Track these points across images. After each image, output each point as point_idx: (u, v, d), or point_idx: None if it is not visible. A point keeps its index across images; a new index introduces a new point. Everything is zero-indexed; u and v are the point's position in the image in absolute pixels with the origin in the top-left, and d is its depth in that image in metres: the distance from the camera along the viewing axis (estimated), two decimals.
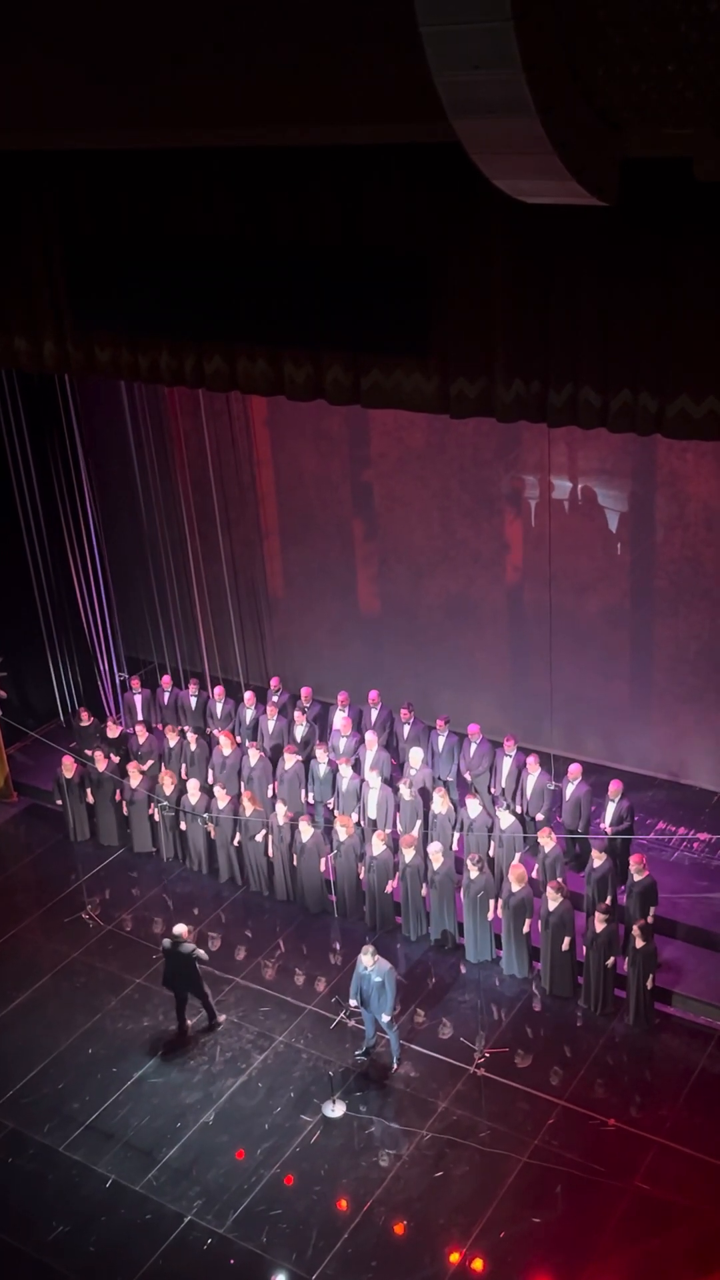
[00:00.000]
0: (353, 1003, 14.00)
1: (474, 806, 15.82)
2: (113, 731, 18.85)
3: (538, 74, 6.53)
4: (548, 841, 15.13)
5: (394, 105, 8.07)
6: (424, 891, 15.69)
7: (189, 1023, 14.76)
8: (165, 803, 17.40)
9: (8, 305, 13.61)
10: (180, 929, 14.58)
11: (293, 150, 10.78)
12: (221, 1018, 14.83)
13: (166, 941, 14.61)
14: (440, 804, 16.01)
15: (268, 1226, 12.43)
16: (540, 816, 15.99)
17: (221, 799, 16.81)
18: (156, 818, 17.63)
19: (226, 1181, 12.90)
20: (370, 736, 17.30)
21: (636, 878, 14.58)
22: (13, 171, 12.66)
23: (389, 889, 15.89)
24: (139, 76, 8.92)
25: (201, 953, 14.63)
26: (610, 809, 15.63)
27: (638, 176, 8.38)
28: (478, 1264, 11.94)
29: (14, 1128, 13.71)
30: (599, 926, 14.25)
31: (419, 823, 16.17)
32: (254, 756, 17.44)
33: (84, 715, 19.10)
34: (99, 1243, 12.40)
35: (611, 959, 14.38)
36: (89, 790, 18.09)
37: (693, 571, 16.33)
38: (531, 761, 16.22)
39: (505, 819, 15.69)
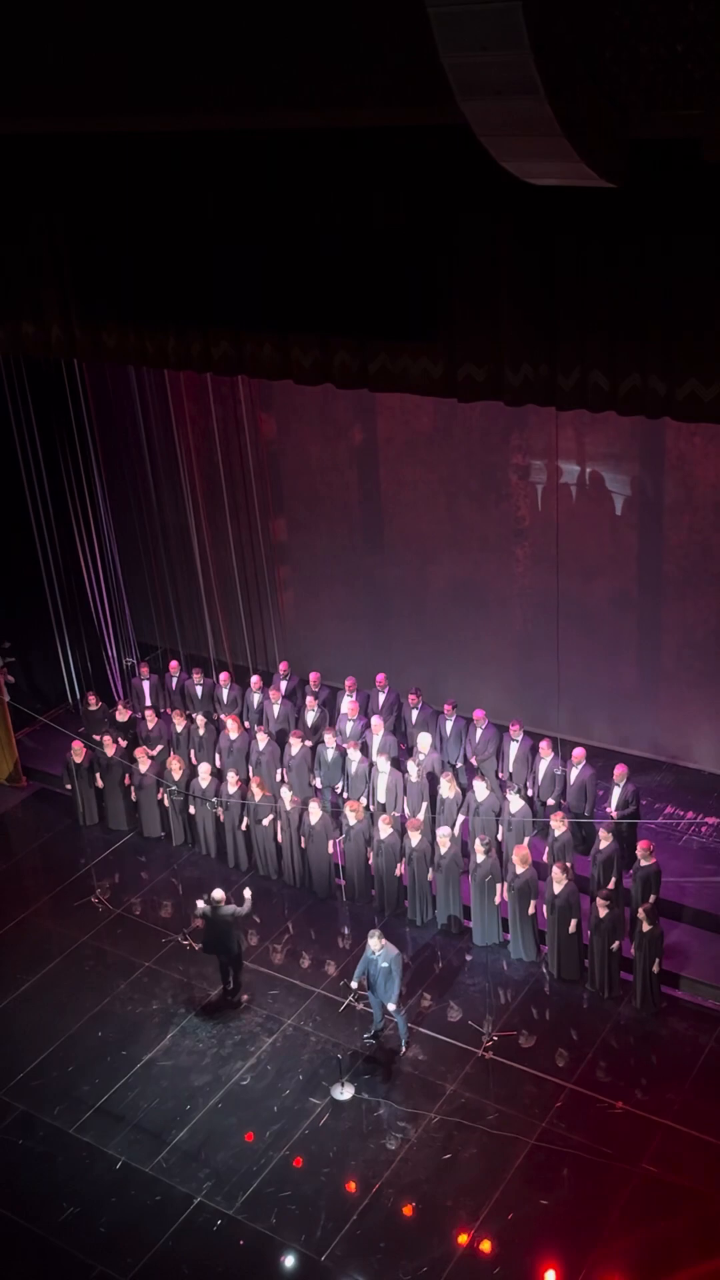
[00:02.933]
0: (354, 984, 14.02)
1: (481, 790, 15.82)
2: (121, 716, 18.89)
3: (545, 55, 6.48)
4: (559, 825, 15.12)
5: (402, 88, 8.03)
6: (430, 876, 15.69)
7: (227, 989, 14.88)
8: (174, 787, 17.41)
9: (15, 291, 13.59)
10: (218, 894, 14.60)
11: (300, 134, 10.74)
12: (245, 996, 14.85)
13: (205, 907, 14.60)
14: (448, 788, 16.03)
15: (277, 1208, 12.46)
16: (551, 801, 16.00)
17: (230, 783, 16.83)
18: (165, 802, 17.65)
19: (236, 1163, 12.94)
20: (377, 721, 17.31)
21: (643, 863, 14.57)
22: (18, 156, 12.62)
23: (397, 873, 15.91)
24: (147, 61, 8.88)
25: (240, 909, 14.66)
26: (616, 793, 15.63)
27: (647, 158, 8.34)
28: (485, 1245, 11.97)
29: (24, 1110, 13.76)
30: (602, 911, 14.25)
31: (426, 806, 16.18)
32: (262, 741, 17.45)
33: (92, 700, 19.13)
34: (109, 1224, 12.44)
35: (617, 943, 14.38)
36: (98, 775, 18.12)
37: (701, 556, 16.30)
38: (545, 746, 16.24)
39: (515, 803, 15.69)
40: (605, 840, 14.91)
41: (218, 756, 17.68)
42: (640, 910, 14.12)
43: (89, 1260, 12.10)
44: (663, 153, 8.83)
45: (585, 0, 6.72)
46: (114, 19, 8.75)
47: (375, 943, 13.77)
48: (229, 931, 14.63)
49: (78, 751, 18.07)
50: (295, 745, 17.25)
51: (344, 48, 8.08)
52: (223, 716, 18.25)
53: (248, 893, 14.96)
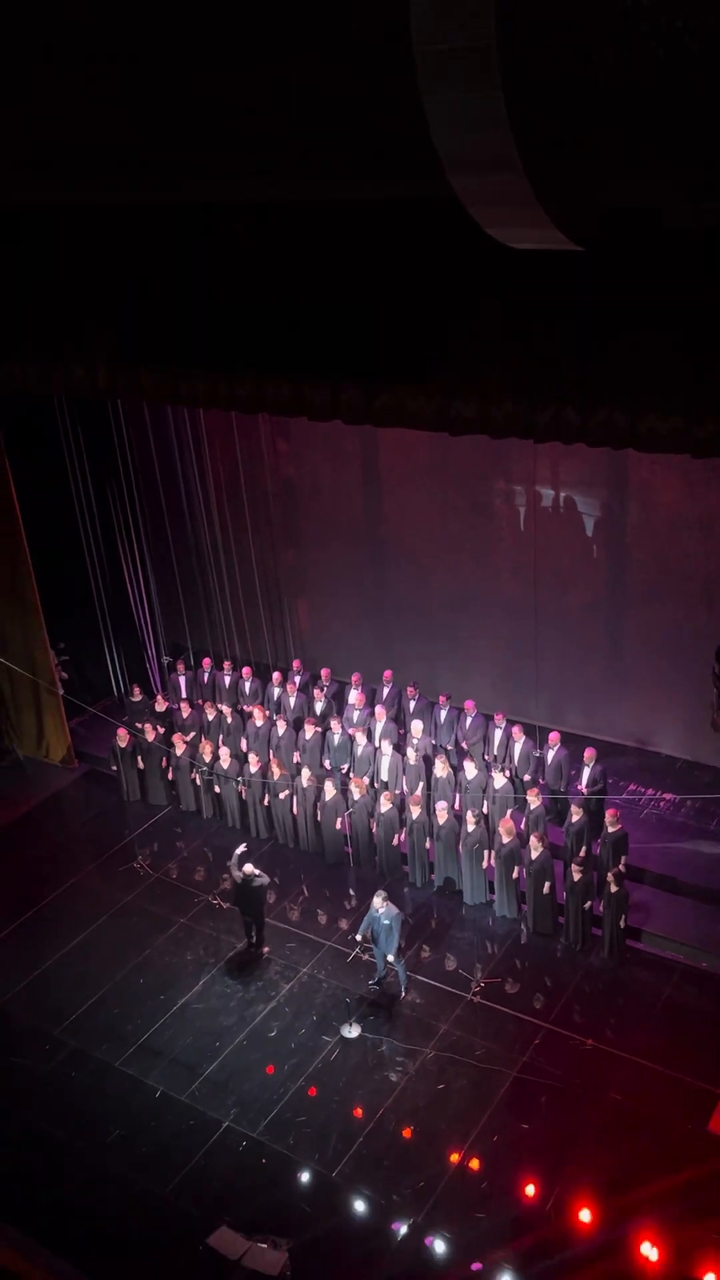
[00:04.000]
0: (358, 937, 14.03)
1: (470, 770, 15.82)
2: (160, 707, 18.86)
3: (524, 137, 6.50)
4: (534, 800, 15.14)
5: (399, 164, 8.03)
6: (428, 844, 15.69)
7: (250, 943, 14.90)
8: (205, 768, 17.43)
9: (67, 339, 13.60)
10: (249, 868, 14.58)
11: (310, 205, 10.73)
12: (266, 949, 14.84)
13: (238, 874, 14.57)
14: (441, 768, 16.02)
15: (294, 1131, 12.47)
16: (527, 778, 16.00)
17: (253, 764, 16.85)
18: (197, 781, 17.66)
19: (258, 1093, 12.95)
20: (380, 710, 17.31)
21: (610, 830, 14.57)
22: (74, 218, 12.57)
23: (396, 842, 15.91)
24: (172, 139, 8.80)
25: (266, 880, 14.68)
26: (586, 772, 15.62)
27: (613, 222, 8.34)
28: (474, 1164, 11.98)
29: (76, 1046, 13.79)
30: (575, 875, 14.25)
31: (422, 784, 16.18)
32: (280, 728, 17.44)
33: (135, 693, 19.13)
34: (149, 1144, 12.47)
35: (588, 902, 14.38)
36: (139, 758, 18.12)
37: (659, 570, 16.28)
38: (517, 730, 16.24)
39: (498, 781, 15.70)
40: (577, 814, 14.91)
41: (243, 741, 17.68)
42: (609, 874, 14.14)
43: (133, 1175, 12.14)
44: (626, 218, 8.82)
45: (560, 92, 6.72)
46: (147, 100, 8.67)
47: (379, 902, 13.78)
48: (256, 896, 14.64)
49: (122, 737, 18.08)
50: (309, 731, 17.24)
51: (348, 130, 8.08)
52: (247, 707, 18.26)
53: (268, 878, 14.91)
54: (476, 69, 6.14)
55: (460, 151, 6.73)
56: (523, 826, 15.13)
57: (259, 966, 14.72)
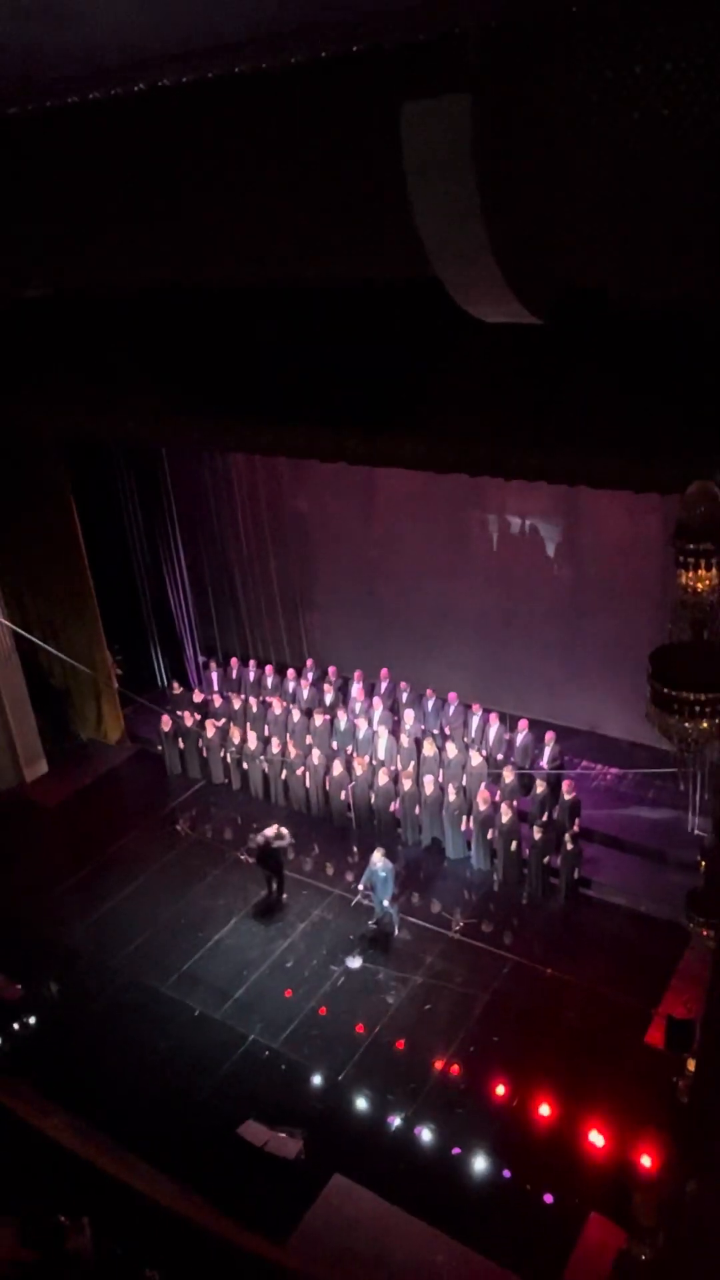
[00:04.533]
0: (360, 886, 14.08)
1: (452, 750, 15.93)
2: (197, 698, 18.91)
3: (499, 238, 6.57)
4: (509, 775, 15.22)
5: (390, 255, 8.00)
6: (417, 810, 15.81)
7: (271, 892, 14.91)
8: (234, 748, 17.54)
9: (117, 398, 13.59)
10: (271, 830, 14.57)
11: (313, 287, 10.66)
12: (285, 896, 14.90)
13: (260, 838, 14.53)
14: (429, 749, 16.12)
15: (308, 1044, 12.55)
16: (500, 757, 16.08)
17: (274, 746, 16.97)
18: (228, 759, 17.75)
19: (279, 1012, 13.03)
20: (378, 701, 17.41)
21: (566, 797, 14.69)
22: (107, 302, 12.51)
23: (391, 809, 16.01)
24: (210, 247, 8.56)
25: (285, 843, 14.68)
26: (547, 751, 15.71)
27: (569, 299, 8.35)
28: (455, 1070, 12.10)
29: (129, 975, 13.89)
30: (537, 834, 14.34)
31: (413, 762, 16.26)
32: (296, 715, 17.52)
33: (175, 686, 19.17)
34: (189, 1054, 12.56)
35: (547, 857, 14.48)
36: (180, 739, 18.19)
37: (609, 584, 16.28)
38: (491, 717, 16.31)
39: (475, 759, 15.79)
40: (540, 786, 15.01)
41: (265, 727, 17.78)
42: (566, 834, 14.24)
43: (176, 1082, 12.24)
44: (580, 296, 8.91)
45: (532, 209, 6.72)
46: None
47: (377, 857, 13.90)
48: (278, 856, 14.72)
49: (166, 722, 18.16)
50: (319, 719, 17.32)
51: (342, 228, 8.00)
52: (268, 698, 18.33)
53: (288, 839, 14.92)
54: (454, 173, 6.22)
55: (443, 250, 6.82)
56: (496, 797, 15.25)
57: (279, 910, 14.82)
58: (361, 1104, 11.82)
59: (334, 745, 17.29)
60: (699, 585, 7.96)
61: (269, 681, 18.90)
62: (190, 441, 13.49)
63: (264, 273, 9.09)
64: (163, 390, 13.14)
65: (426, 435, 11.34)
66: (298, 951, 14.04)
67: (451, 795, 15.34)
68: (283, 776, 17.10)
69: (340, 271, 8.81)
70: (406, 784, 15.74)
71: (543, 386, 10.27)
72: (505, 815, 14.70)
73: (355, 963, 13.70)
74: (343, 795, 16.44)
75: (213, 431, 13.11)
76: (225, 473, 19.30)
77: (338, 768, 16.37)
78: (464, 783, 15.74)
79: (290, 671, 18.75)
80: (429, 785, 15.52)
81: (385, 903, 14.03)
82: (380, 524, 18.67)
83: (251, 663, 19.28)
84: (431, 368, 10.90)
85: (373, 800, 16.22)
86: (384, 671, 18.06)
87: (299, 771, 16.80)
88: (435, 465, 11.52)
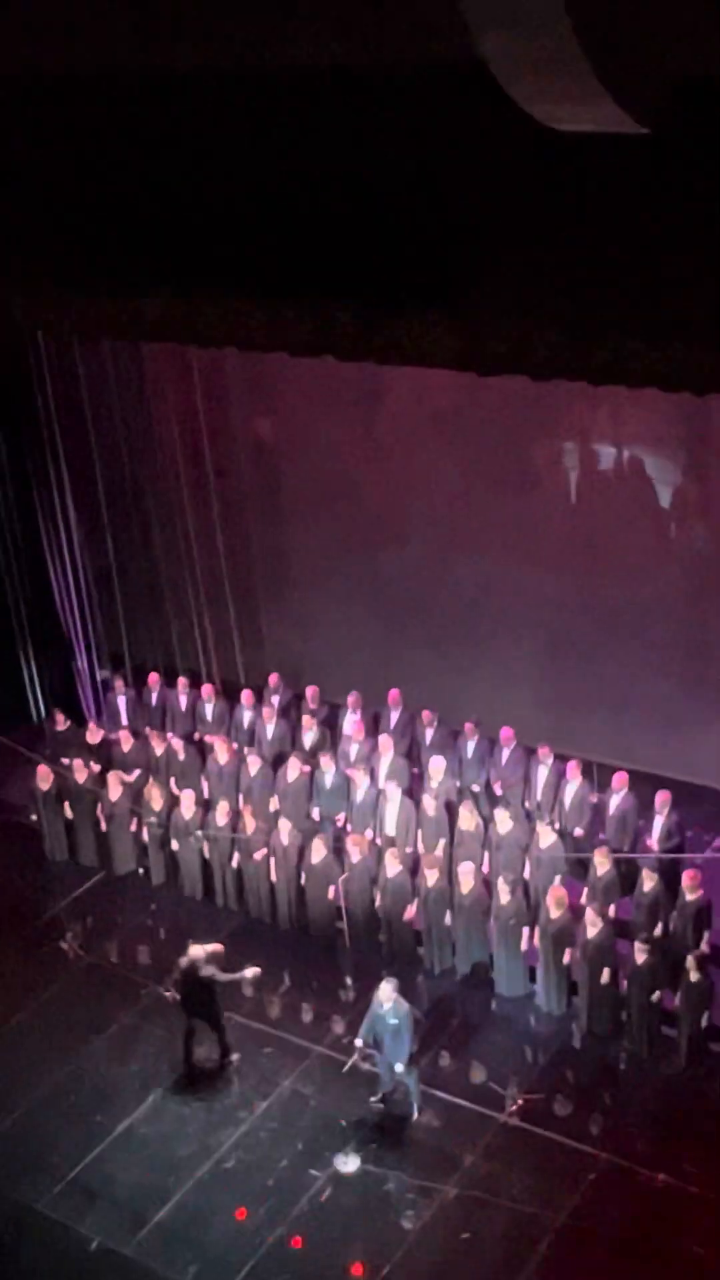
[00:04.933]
0: (358, 1043, 14.07)
1: (505, 821, 15.90)
2: (93, 737, 18.91)
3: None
4: (603, 863, 15.18)
5: (413, 21, 8.11)
6: (448, 919, 15.77)
7: (196, 1053, 14.91)
8: (153, 818, 17.50)
9: None
10: (198, 951, 14.60)
11: (294, 71, 10.76)
12: (235, 1056, 14.91)
13: (183, 962, 14.60)
14: (468, 819, 16.10)
15: None
16: (580, 832, 16.09)
17: (218, 814, 16.93)
18: (143, 835, 17.73)
19: (226, 1245, 12.98)
20: (386, 741, 17.40)
21: (689, 897, 14.68)
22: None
23: (407, 916, 15.98)
24: None
25: (220, 975, 14.68)
26: (658, 823, 15.70)
27: (686, 98, 8.42)
28: None
29: None
30: (640, 957, 14.31)
31: (443, 841, 16.24)
32: (253, 765, 17.51)
33: (59, 719, 19.25)
34: None
35: (658, 993, 14.46)
36: (66, 804, 18.17)
37: None
38: (572, 768, 16.30)
39: (545, 836, 15.76)
40: (649, 880, 14.98)
41: (203, 783, 17.76)
42: (688, 957, 14.20)
43: None
44: (704, 91, 8.92)
45: None
46: None
47: (385, 996, 13.85)
48: (210, 991, 14.63)
49: (44, 777, 18.17)
50: (292, 770, 17.32)
51: None
52: (208, 737, 18.33)
53: (251, 972, 15.01)
54: None
55: (491, 3, 6.84)
56: (582, 898, 15.19)
57: (225, 1079, 14.71)
58: None
59: (315, 813, 17.28)
60: None
61: (209, 710, 18.90)
62: (79, 324, 13.47)
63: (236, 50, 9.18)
64: (32, 240, 13.13)
65: (463, 314, 11.39)
66: (255, 1147, 13.98)
67: (505, 894, 15.32)
68: (233, 863, 17.10)
69: (338, 50, 8.87)
70: (432, 876, 15.74)
71: (655, 234, 10.26)
72: (593, 927, 14.69)
73: (350, 1164, 13.67)
74: (330, 894, 16.43)
75: (116, 306, 13.05)
76: (141, 384, 19.39)
77: (321, 849, 16.36)
78: (525, 874, 15.73)
79: (245, 694, 18.79)
80: (467, 878, 15.50)
81: (398, 1068, 14.00)
82: (389, 463, 18.73)
83: (182, 681, 19.32)
84: (474, 207, 10.92)
85: (378, 902, 16.21)
86: (394, 694, 18.10)
87: (259, 855, 16.80)
88: (479, 364, 11.45)
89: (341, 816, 17.15)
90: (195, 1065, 14.88)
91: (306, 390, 18.71)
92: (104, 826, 18.05)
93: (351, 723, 17.98)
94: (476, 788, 17.16)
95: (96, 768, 18.22)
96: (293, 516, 19.77)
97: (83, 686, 20.60)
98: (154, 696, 19.37)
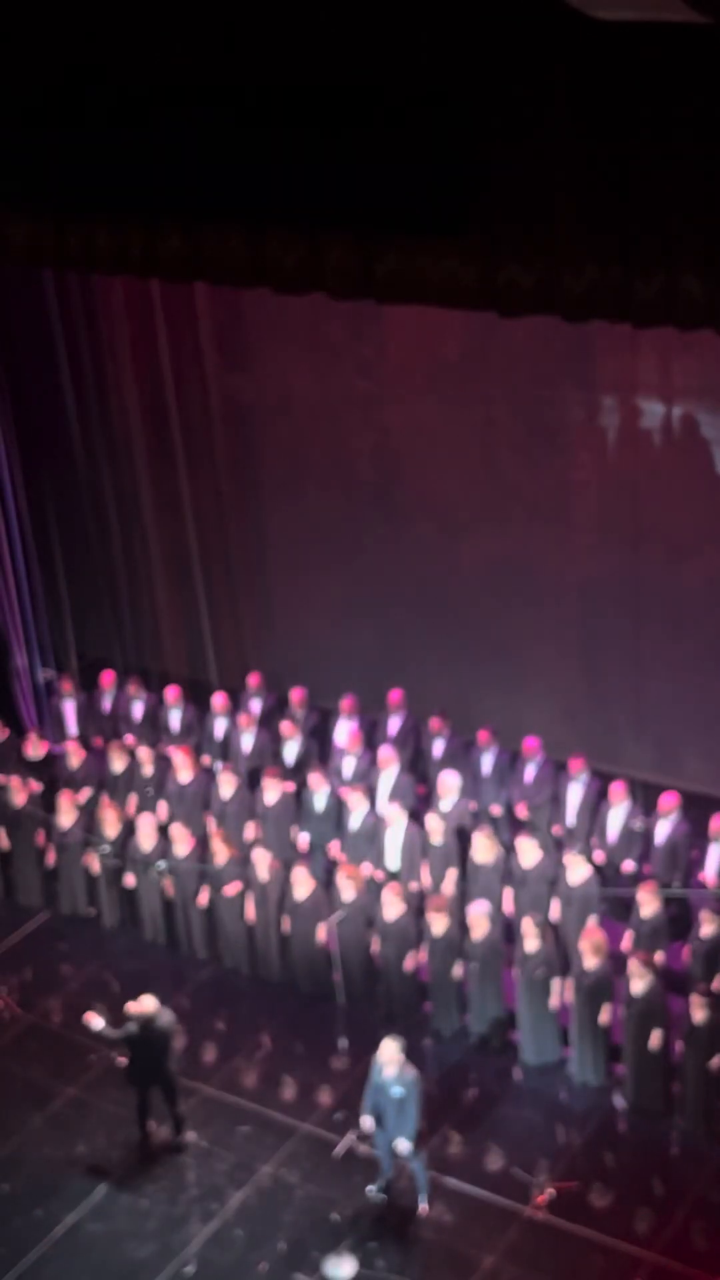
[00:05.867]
0: (364, 1122, 14.01)
1: (530, 851, 15.83)
2: (34, 750, 18.98)
3: None
4: (649, 904, 15.08)
5: None
6: (459, 971, 15.71)
7: (145, 1130, 14.91)
8: (106, 847, 17.46)
9: None
10: (148, 1002, 14.56)
11: None
12: (190, 1134, 14.85)
13: (132, 1025, 14.59)
14: (485, 849, 16.03)
15: None
16: (629, 866, 16.05)
17: (183, 842, 16.87)
18: (95, 868, 17.69)
19: None
20: (387, 754, 17.37)
21: None
22: None
23: (409, 966, 15.93)
24: None
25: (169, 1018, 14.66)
26: (714, 852, 15.63)
27: None
28: None
29: None
30: (698, 1015, 14.23)
31: (454, 875, 16.21)
32: (226, 784, 17.48)
33: None
34: None
35: (718, 1060, 14.37)
36: (2, 831, 18.19)
37: None
38: (616, 790, 16.28)
39: (577, 868, 15.67)
40: (708, 923, 14.88)
41: (168, 805, 17.70)
42: None
43: None
44: None
45: None
46: None
47: (387, 1062, 13.74)
48: (161, 1055, 14.61)
49: None
50: (273, 790, 17.27)
51: None
52: (172, 749, 18.29)
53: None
54: None
55: None
56: (622, 944, 15.12)
57: (194, 1165, 14.67)
58: None
59: (302, 841, 17.24)
60: None
61: (174, 717, 18.92)
62: (21, 253, 13.53)
63: None
64: None
65: (481, 243, 11.33)
66: (230, 1246, 13.88)
67: (531, 941, 15.21)
68: (202, 901, 17.01)
69: None
70: (439, 923, 15.65)
71: (705, 148, 10.21)
72: (638, 980, 14.59)
73: (344, 1269, 13.41)
74: (319, 937, 16.36)
75: (67, 234, 13.10)
76: (94, 319, 19.39)
77: (307, 883, 16.28)
78: (554, 915, 15.64)
79: (218, 698, 18.78)
80: (482, 921, 15.42)
81: (403, 1148, 13.90)
82: (389, 418, 18.70)
83: (133, 682, 19.34)
84: (492, 119, 10.88)
85: (376, 949, 16.13)
86: (395, 697, 18.13)
87: (232, 890, 16.72)
88: (499, 300, 11.51)
89: (333, 845, 17.09)
90: (154, 1146, 14.80)
91: (290, 339, 18.75)
92: (50, 857, 17.99)
93: (345, 732, 17.95)
94: (495, 810, 17.12)
95: (38, 786, 18.17)
96: (273, 487, 19.80)
97: (21, 689, 20.62)
98: (106, 701, 19.35)
